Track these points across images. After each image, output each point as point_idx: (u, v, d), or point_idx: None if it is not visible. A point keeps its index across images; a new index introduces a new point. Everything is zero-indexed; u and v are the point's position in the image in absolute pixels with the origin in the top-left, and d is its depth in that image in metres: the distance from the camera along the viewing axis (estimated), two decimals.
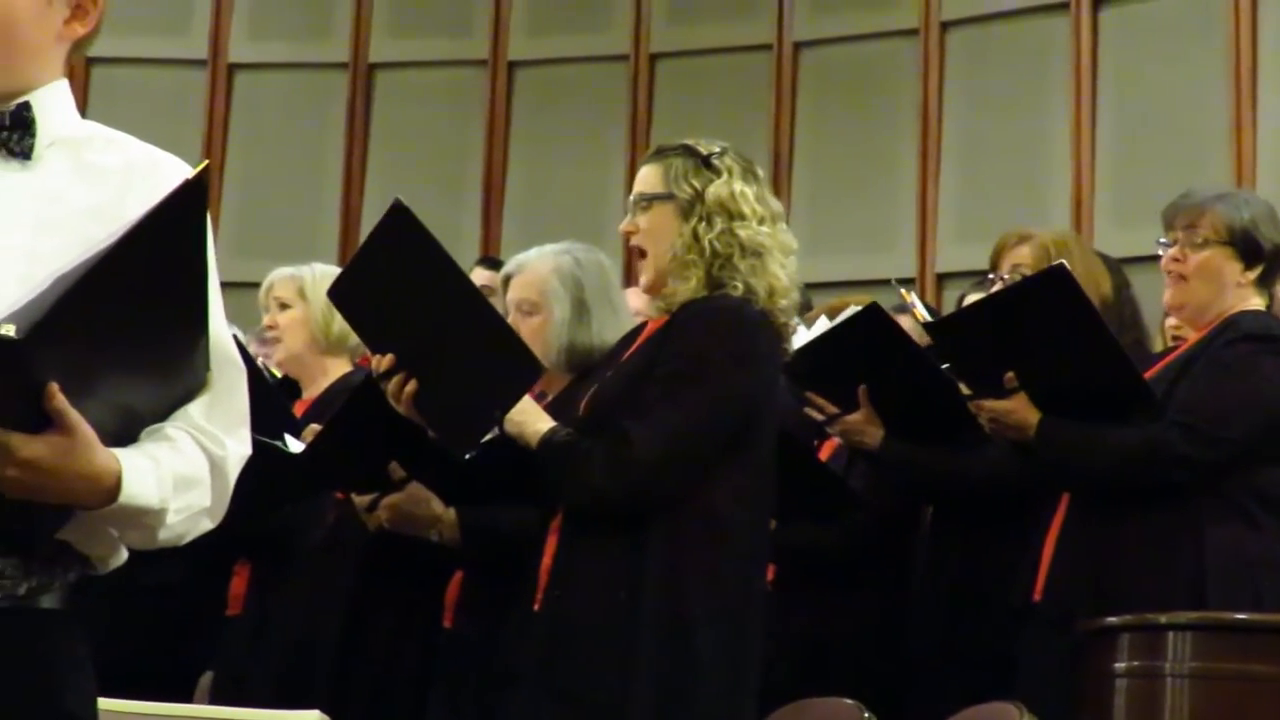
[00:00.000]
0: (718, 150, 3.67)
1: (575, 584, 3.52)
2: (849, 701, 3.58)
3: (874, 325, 4.28)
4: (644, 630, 3.40)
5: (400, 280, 3.58)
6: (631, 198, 3.71)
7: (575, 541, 3.56)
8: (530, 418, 3.58)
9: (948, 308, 6.54)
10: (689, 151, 3.67)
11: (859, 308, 4.37)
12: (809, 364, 4.33)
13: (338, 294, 3.77)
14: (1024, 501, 4.20)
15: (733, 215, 3.59)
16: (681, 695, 3.39)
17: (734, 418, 3.53)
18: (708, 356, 3.51)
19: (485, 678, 3.91)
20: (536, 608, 3.57)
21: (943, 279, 7.84)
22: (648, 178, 3.70)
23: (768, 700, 3.85)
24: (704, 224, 3.58)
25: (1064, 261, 4.01)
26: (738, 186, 3.62)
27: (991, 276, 4.57)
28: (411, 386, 3.57)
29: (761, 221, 3.62)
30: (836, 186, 8.20)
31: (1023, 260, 4.43)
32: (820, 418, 4.44)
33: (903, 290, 4.70)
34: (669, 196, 3.63)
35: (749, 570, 3.55)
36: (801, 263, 3.50)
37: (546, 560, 3.59)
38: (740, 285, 3.56)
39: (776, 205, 3.71)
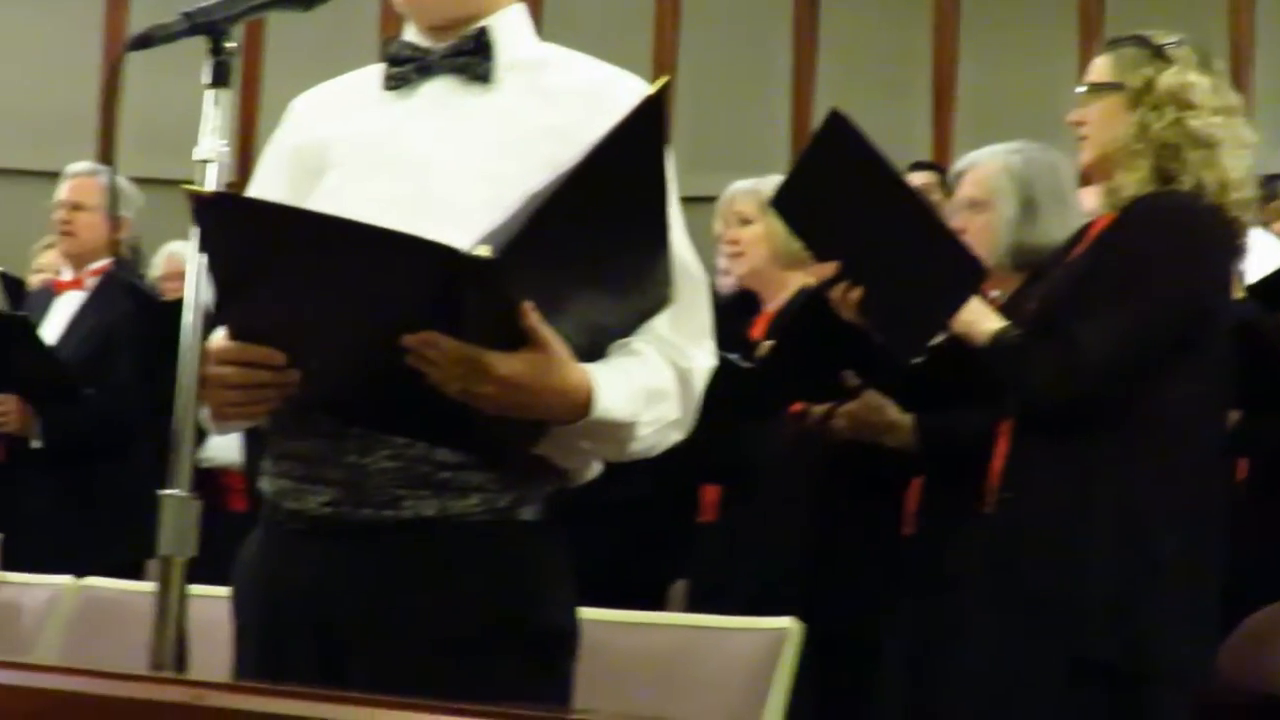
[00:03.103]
0: (1173, 40, 3.55)
1: (1027, 487, 3.47)
2: None
3: None
4: (1098, 535, 3.34)
5: (841, 188, 3.57)
6: (1080, 88, 3.63)
7: (1027, 444, 3.51)
8: (979, 317, 3.53)
9: None
10: (1141, 41, 3.57)
11: None
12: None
13: (780, 203, 3.79)
14: None
15: (1183, 105, 3.46)
16: (1138, 602, 3.32)
17: (1183, 318, 3.41)
18: (1155, 255, 3.40)
19: (938, 582, 3.90)
20: (987, 510, 3.55)
21: None
22: (1098, 67, 3.61)
23: (1247, 604, 3.75)
24: (1153, 113, 3.48)
25: None
26: (1191, 76, 3.49)
27: None
28: (856, 293, 3.57)
29: (1215, 113, 3.47)
30: None
31: None
32: None
33: None
34: (1118, 86, 3.53)
35: (1205, 473, 3.44)
36: (1266, 156, 3.40)
37: (997, 463, 3.56)
38: (1190, 178, 3.44)
39: (1234, 98, 3.56)
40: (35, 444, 5.23)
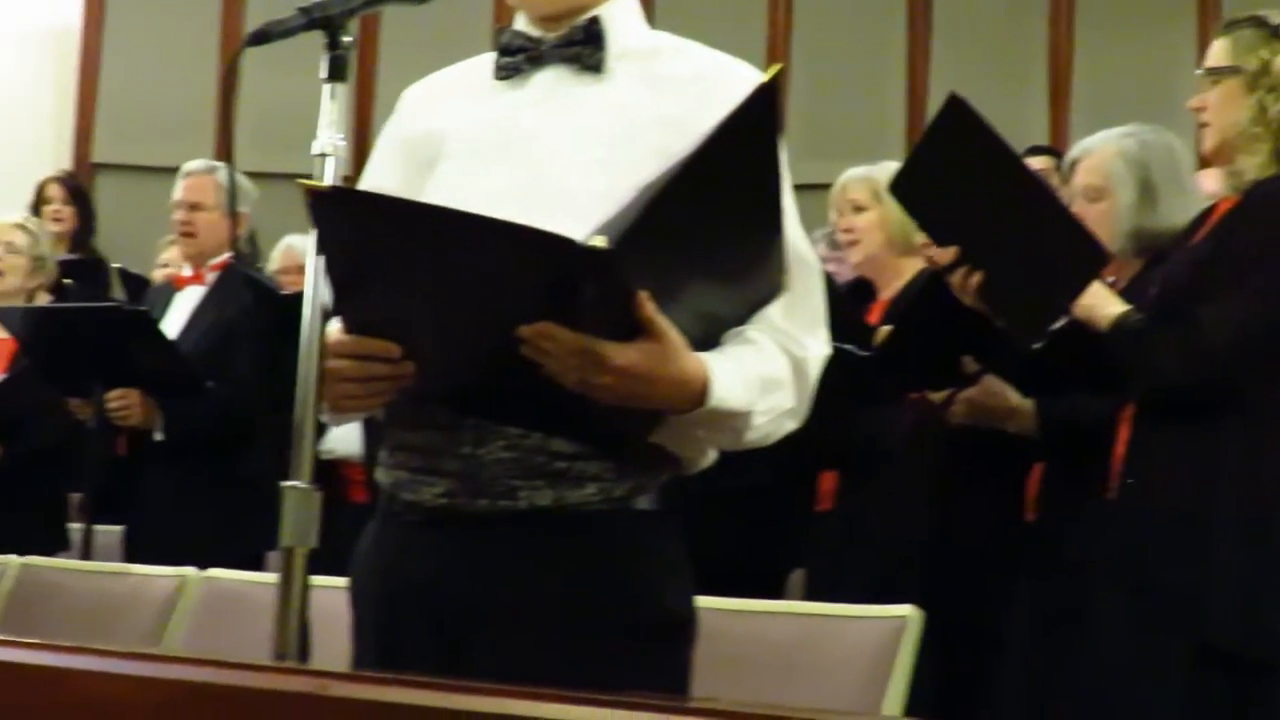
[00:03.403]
0: None
1: (1150, 473, 3.45)
2: None
3: None
4: (1222, 522, 3.31)
5: (961, 172, 3.57)
6: (1199, 72, 3.60)
7: (1149, 429, 3.49)
8: (1102, 301, 3.52)
9: None
10: (1259, 22, 3.55)
11: None
12: None
13: (899, 189, 3.79)
14: None
15: None
16: (1263, 590, 3.29)
17: None
18: (1277, 239, 3.38)
19: (1059, 568, 3.87)
20: (1110, 496, 3.52)
21: None
22: (1216, 51, 3.59)
23: None
24: (1270, 95, 3.44)
25: None
26: None
27: None
28: (977, 278, 3.56)
29: None
30: None
31: None
32: None
33: None
34: (1235, 69, 3.50)
35: None
36: None
37: (1120, 448, 3.54)
38: None
39: None
40: (157, 437, 5.29)
